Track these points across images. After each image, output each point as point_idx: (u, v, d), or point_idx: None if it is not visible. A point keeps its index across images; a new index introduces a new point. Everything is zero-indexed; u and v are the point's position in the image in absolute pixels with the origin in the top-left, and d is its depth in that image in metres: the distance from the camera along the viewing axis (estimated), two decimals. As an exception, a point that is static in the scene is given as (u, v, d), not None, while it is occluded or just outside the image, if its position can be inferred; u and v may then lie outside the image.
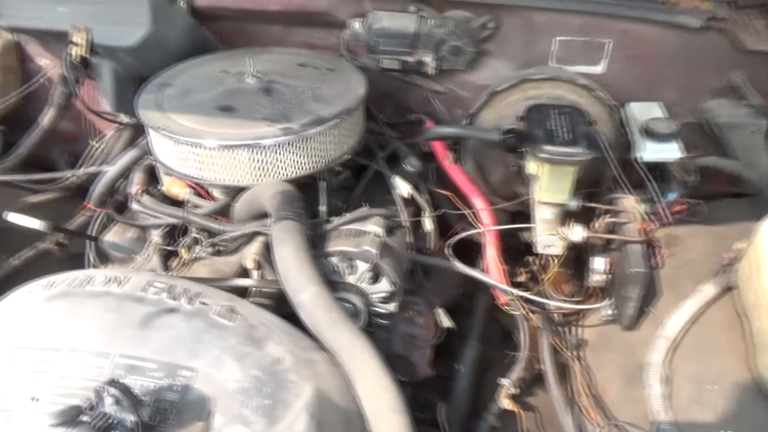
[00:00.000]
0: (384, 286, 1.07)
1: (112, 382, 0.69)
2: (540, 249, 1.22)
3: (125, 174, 1.50)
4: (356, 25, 1.47)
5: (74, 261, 1.45)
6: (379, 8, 1.49)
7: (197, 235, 1.26)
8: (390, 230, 1.12)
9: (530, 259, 1.51)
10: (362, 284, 1.06)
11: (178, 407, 0.76)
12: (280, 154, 1.21)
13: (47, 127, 1.66)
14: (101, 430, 0.66)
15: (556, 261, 1.25)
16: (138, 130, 1.61)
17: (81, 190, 1.61)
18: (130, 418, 0.69)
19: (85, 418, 0.66)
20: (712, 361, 1.12)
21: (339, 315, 0.93)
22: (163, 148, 1.28)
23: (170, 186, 1.37)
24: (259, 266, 1.18)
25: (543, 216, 1.23)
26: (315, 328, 0.93)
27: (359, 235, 1.09)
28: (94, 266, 1.47)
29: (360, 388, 0.89)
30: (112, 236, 1.43)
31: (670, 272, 1.32)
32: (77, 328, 0.83)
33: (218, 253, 1.27)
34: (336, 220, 1.13)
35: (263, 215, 1.22)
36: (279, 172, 1.23)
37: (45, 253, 1.50)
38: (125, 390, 0.68)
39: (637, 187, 1.44)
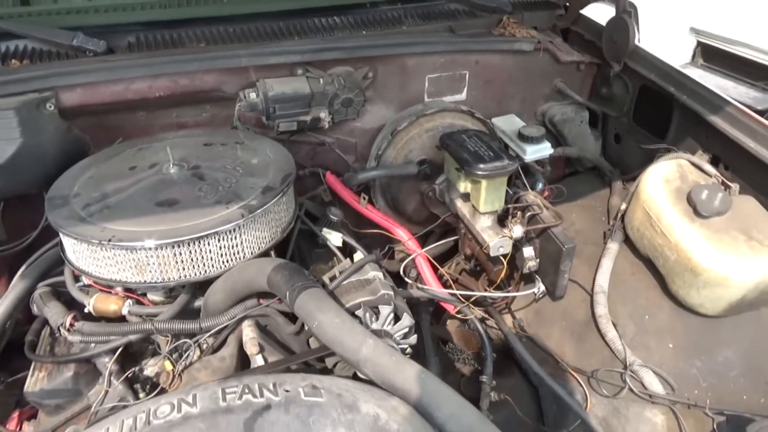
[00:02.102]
0: (405, 321, 1.14)
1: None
2: (494, 253, 1.41)
3: (17, 310, 1.30)
4: (252, 95, 1.50)
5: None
6: (264, 76, 1.54)
7: (175, 343, 1.17)
8: (384, 274, 1.20)
9: (454, 263, 1.69)
10: (386, 327, 1.12)
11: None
12: (245, 233, 1.19)
13: None
14: None
15: (505, 259, 1.45)
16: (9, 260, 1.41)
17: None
18: None
19: None
20: (637, 298, 1.43)
21: (399, 357, 0.98)
22: (106, 263, 1.16)
23: (100, 304, 1.23)
24: (261, 349, 1.15)
25: (485, 224, 1.43)
26: (383, 376, 0.97)
27: (366, 284, 1.14)
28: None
29: (442, 415, 0.96)
30: (39, 383, 1.23)
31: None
32: (179, 464, 0.76)
33: (200, 351, 1.20)
34: (337, 278, 1.17)
35: (241, 300, 1.19)
36: (245, 253, 1.21)
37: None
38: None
39: (509, 185, 1.73)
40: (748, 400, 1.24)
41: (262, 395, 0.85)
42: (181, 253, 1.14)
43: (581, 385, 1.38)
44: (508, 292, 1.55)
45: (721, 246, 1.25)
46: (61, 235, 1.21)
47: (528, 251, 1.49)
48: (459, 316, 1.53)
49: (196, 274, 1.17)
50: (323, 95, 1.57)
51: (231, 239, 1.18)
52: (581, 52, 1.83)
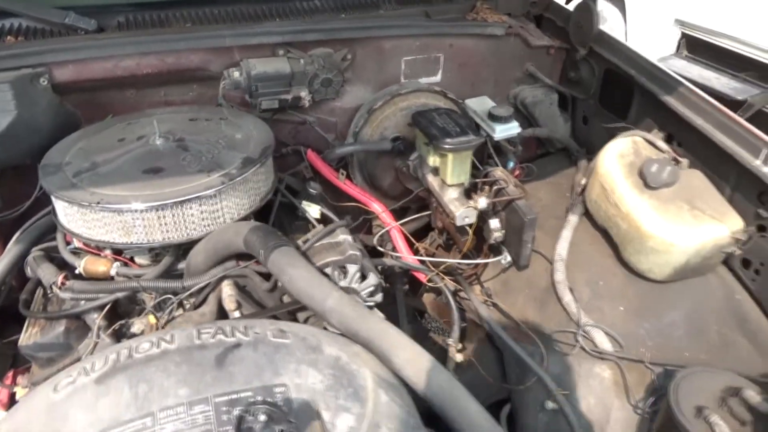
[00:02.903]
0: (372, 280, 1.24)
1: (253, 403, 0.77)
2: (459, 222, 1.50)
3: (11, 273, 1.39)
4: (235, 74, 1.59)
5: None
6: (248, 56, 1.63)
7: (159, 299, 1.27)
8: (354, 238, 1.29)
9: (430, 238, 1.79)
10: (353, 284, 1.22)
11: (290, 415, 0.86)
12: (225, 200, 1.29)
13: None
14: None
15: (471, 228, 1.54)
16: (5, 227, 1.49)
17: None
18: (279, 428, 0.77)
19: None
20: (593, 266, 1.53)
21: (362, 309, 1.08)
22: (95, 225, 1.25)
23: (90, 266, 1.32)
24: (239, 305, 1.24)
25: (452, 196, 1.52)
26: (348, 324, 1.07)
27: (336, 246, 1.24)
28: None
29: (399, 361, 1.06)
30: (33, 338, 1.32)
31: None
32: (155, 390, 0.85)
33: (183, 309, 1.29)
34: (309, 240, 1.26)
35: (222, 261, 1.28)
36: (225, 218, 1.30)
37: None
38: (273, 404, 0.77)
39: (483, 164, 1.83)
40: (690, 356, 1.35)
41: (233, 335, 0.95)
42: (164, 216, 1.23)
43: (540, 346, 1.48)
44: (473, 261, 1.65)
45: (667, 215, 1.35)
46: (53, 199, 1.30)
47: (494, 223, 1.58)
48: (430, 284, 1.63)
49: (178, 237, 1.26)
50: (303, 75, 1.65)
51: (211, 204, 1.27)
52: (552, 37, 1.92)
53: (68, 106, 1.54)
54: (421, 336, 1.77)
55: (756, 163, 1.31)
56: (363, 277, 1.24)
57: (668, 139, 1.58)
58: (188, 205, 1.24)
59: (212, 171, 1.30)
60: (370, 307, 1.27)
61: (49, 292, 1.34)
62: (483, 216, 1.60)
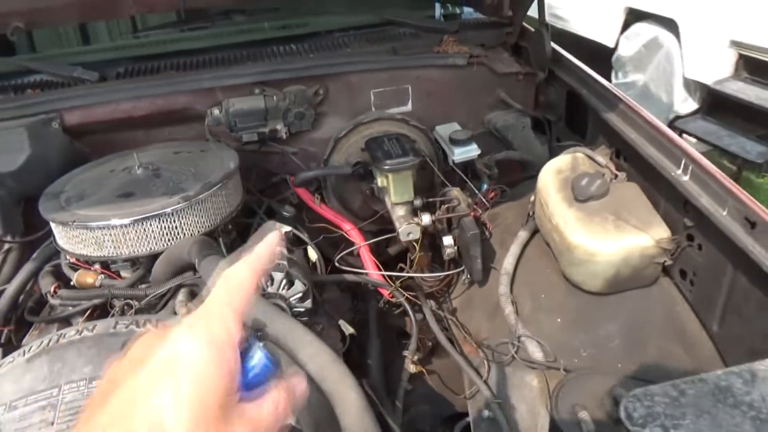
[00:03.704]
0: (298, 287, 1.37)
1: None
2: (403, 238, 1.60)
3: (25, 288, 1.64)
4: (216, 111, 1.81)
5: None
6: (229, 96, 1.85)
7: (123, 304, 1.46)
8: (289, 250, 1.43)
9: (401, 265, 1.89)
10: (281, 290, 1.36)
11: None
12: (183, 218, 1.47)
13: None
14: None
15: (417, 244, 1.64)
16: (24, 249, 1.75)
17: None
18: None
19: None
20: (538, 280, 1.56)
21: (272, 309, 1.21)
22: (75, 241, 1.48)
23: (80, 278, 1.55)
24: (189, 311, 1.40)
25: (399, 214, 1.63)
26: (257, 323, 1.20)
27: (268, 256, 1.39)
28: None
29: (302, 354, 1.16)
30: (32, 338, 1.55)
31: (498, 237, 1.79)
32: (67, 367, 1.02)
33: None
34: (241, 248, 1.42)
35: (182, 270, 1.46)
36: (184, 234, 1.49)
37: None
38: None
39: (460, 188, 1.91)
40: (623, 367, 1.34)
41: (144, 326, 1.11)
42: (128, 232, 1.44)
43: (483, 357, 1.52)
44: (429, 276, 1.73)
45: (590, 226, 1.38)
46: (49, 221, 1.55)
47: (447, 240, 1.67)
48: (392, 299, 1.73)
49: (142, 250, 1.46)
50: (277, 110, 1.85)
51: (171, 222, 1.46)
52: (521, 64, 2.00)
53: (78, 145, 1.81)
54: (394, 352, 1.85)
55: (677, 173, 1.32)
56: (290, 284, 1.37)
57: (617, 155, 1.61)
58: (149, 222, 1.44)
59: (174, 194, 1.49)
60: (300, 312, 1.40)
61: (46, 299, 1.58)
62: (438, 236, 1.69)
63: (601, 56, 5.26)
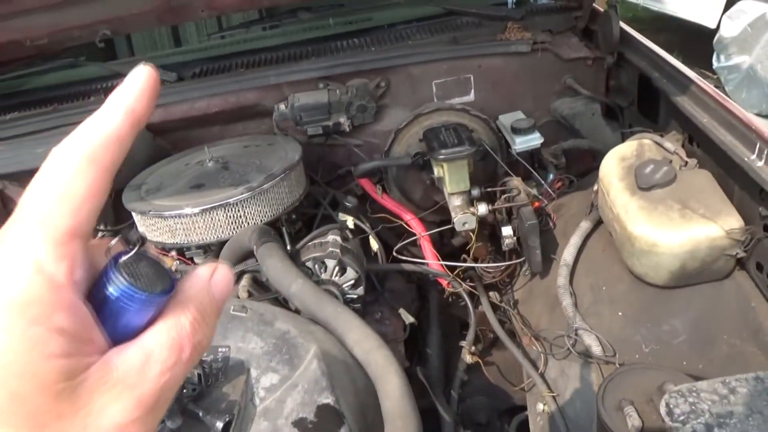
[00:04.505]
0: (350, 274, 1.41)
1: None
2: (459, 228, 1.60)
3: None
4: (282, 107, 1.89)
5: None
6: (295, 91, 1.91)
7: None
8: (345, 239, 1.47)
9: (464, 256, 1.88)
10: (334, 277, 1.40)
11: (224, 370, 1.06)
12: (247, 207, 1.56)
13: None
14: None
15: (473, 234, 1.63)
16: (116, 235, 1.92)
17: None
18: (197, 371, 0.98)
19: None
20: (600, 272, 1.50)
21: (323, 294, 1.26)
22: (152, 228, 1.60)
23: (161, 264, 1.68)
24: (250, 294, 1.49)
25: (455, 204, 1.62)
26: (307, 308, 1.25)
27: (323, 245, 1.44)
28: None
29: (349, 339, 1.21)
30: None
31: (561, 227, 1.73)
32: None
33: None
34: (303, 240, 1.48)
35: (245, 257, 1.55)
36: (249, 222, 1.57)
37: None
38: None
39: (526, 178, 1.87)
40: (687, 365, 1.26)
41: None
42: (197, 221, 1.54)
43: (540, 350, 1.49)
44: (489, 266, 1.71)
45: (653, 215, 1.30)
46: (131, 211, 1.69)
47: (506, 230, 1.65)
48: (450, 289, 1.73)
49: (210, 238, 1.56)
50: (340, 103, 1.89)
51: (235, 211, 1.55)
52: (591, 49, 1.92)
53: (160, 141, 1.96)
54: (454, 342, 1.85)
55: (752, 158, 1.22)
56: (343, 271, 1.41)
57: (690, 141, 1.51)
58: (215, 212, 1.53)
59: (240, 185, 1.58)
60: (353, 299, 1.43)
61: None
62: (498, 224, 1.67)
63: (701, 38, 4.91)
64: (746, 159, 1.23)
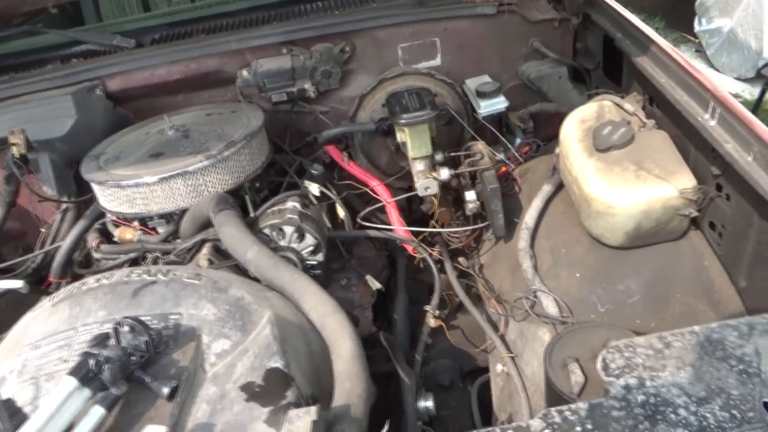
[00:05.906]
0: (309, 240, 1.40)
1: (125, 318, 0.99)
2: (421, 193, 1.59)
3: (79, 243, 1.77)
4: (245, 73, 1.85)
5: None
6: (258, 57, 1.88)
7: (155, 257, 1.55)
8: (305, 205, 1.47)
9: (431, 222, 1.88)
10: (292, 244, 1.40)
11: (175, 337, 1.06)
12: (207, 175, 1.54)
13: (-1, 226, 1.86)
14: (126, 348, 0.95)
15: (437, 199, 1.62)
16: (79, 208, 1.88)
17: (38, 277, 1.83)
18: (143, 339, 0.98)
19: (112, 341, 0.96)
20: (560, 235, 1.51)
21: (279, 261, 1.26)
22: (111, 198, 1.58)
23: (122, 234, 1.66)
24: (211, 263, 1.48)
25: (418, 168, 1.62)
26: (263, 274, 1.25)
27: (282, 211, 1.43)
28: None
29: (306, 304, 1.21)
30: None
31: (527, 192, 1.73)
32: (84, 311, 1.12)
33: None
34: (262, 207, 1.46)
35: (206, 226, 1.53)
36: (209, 191, 1.55)
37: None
38: (137, 320, 0.98)
39: (493, 143, 1.86)
40: (640, 324, 1.28)
41: (155, 275, 1.18)
42: (155, 190, 1.52)
43: (500, 312, 1.51)
44: (452, 230, 1.71)
45: (609, 176, 1.31)
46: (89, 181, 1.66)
47: (469, 195, 1.65)
48: (415, 255, 1.73)
49: (170, 207, 1.54)
50: (304, 69, 1.86)
51: (195, 179, 1.53)
52: (559, 10, 1.89)
53: (121, 110, 1.92)
54: (419, 306, 1.86)
55: (704, 117, 1.22)
56: (301, 237, 1.40)
57: (650, 102, 1.50)
58: (174, 180, 1.51)
59: (199, 153, 1.56)
60: (312, 266, 1.43)
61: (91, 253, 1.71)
62: (462, 189, 1.67)
63: (685, 2, 4.86)
64: (699, 119, 1.22)
